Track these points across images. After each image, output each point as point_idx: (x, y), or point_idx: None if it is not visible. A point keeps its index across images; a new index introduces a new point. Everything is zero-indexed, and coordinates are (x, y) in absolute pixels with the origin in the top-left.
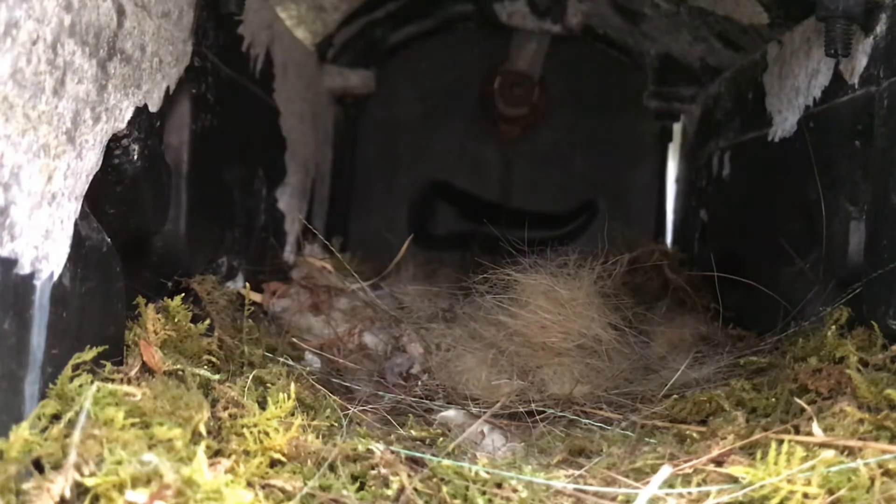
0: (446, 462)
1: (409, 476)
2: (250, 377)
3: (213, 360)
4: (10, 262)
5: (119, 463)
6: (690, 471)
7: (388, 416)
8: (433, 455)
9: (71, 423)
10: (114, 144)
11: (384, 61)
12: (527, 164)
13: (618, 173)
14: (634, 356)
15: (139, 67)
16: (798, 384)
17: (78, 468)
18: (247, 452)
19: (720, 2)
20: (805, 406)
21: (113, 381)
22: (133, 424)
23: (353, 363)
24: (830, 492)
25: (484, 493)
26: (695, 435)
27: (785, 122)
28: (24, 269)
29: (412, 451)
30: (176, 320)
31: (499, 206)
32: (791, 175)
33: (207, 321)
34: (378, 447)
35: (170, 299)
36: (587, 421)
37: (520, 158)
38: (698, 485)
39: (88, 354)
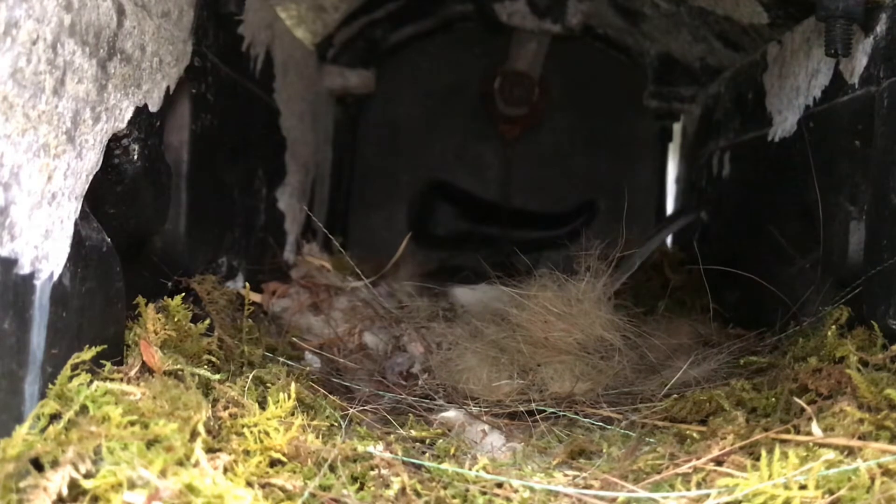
0: (444, 466)
1: (410, 476)
2: (250, 377)
3: (213, 359)
4: (10, 262)
5: (117, 464)
6: (690, 471)
7: (388, 416)
8: (434, 455)
9: (70, 423)
10: (114, 144)
11: (384, 61)
12: (526, 163)
13: (618, 173)
14: (635, 356)
15: (139, 67)
16: (798, 384)
17: (75, 466)
18: (247, 452)
19: (720, 2)
20: (805, 406)
21: (112, 380)
22: (131, 423)
23: (353, 363)
24: (830, 492)
25: (484, 493)
26: (695, 435)
27: (785, 122)
28: (24, 268)
29: (412, 450)
30: (176, 320)
31: (498, 205)
32: (791, 175)
33: (207, 321)
34: (377, 450)
35: (170, 299)
36: (587, 420)
37: (519, 158)
38: (698, 485)
39: (87, 354)
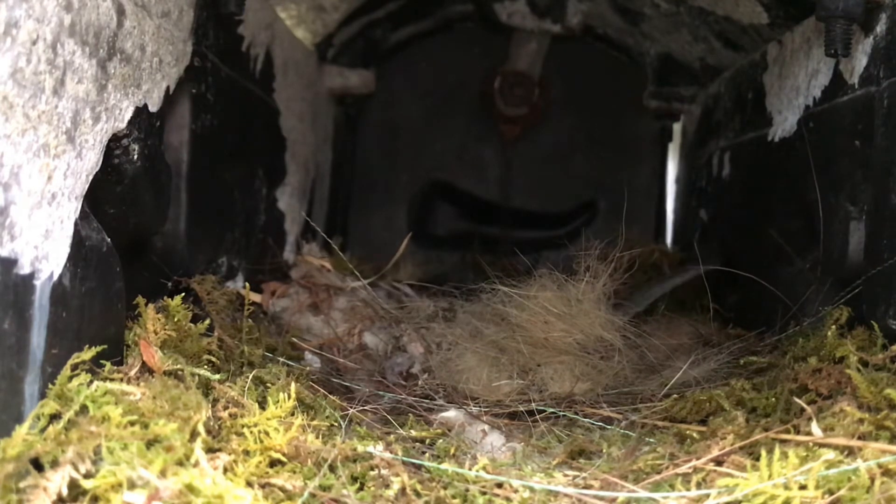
0: (444, 466)
1: (410, 476)
2: (250, 377)
3: (213, 359)
4: (10, 262)
5: (117, 464)
6: (690, 471)
7: (388, 416)
8: (434, 455)
9: (70, 423)
10: (114, 144)
11: (384, 61)
12: (527, 163)
13: (617, 173)
14: (634, 356)
15: (139, 67)
16: (798, 384)
17: (75, 466)
18: (247, 452)
19: (720, 2)
20: (805, 406)
21: (112, 380)
22: (131, 423)
23: (353, 363)
24: (830, 492)
25: (484, 493)
26: (695, 435)
27: (785, 122)
28: (24, 268)
29: (412, 450)
30: (176, 320)
31: (498, 205)
32: (791, 175)
33: (207, 321)
34: (377, 450)
35: (170, 299)
36: (587, 420)
37: (519, 158)
38: (698, 485)
39: (87, 354)
